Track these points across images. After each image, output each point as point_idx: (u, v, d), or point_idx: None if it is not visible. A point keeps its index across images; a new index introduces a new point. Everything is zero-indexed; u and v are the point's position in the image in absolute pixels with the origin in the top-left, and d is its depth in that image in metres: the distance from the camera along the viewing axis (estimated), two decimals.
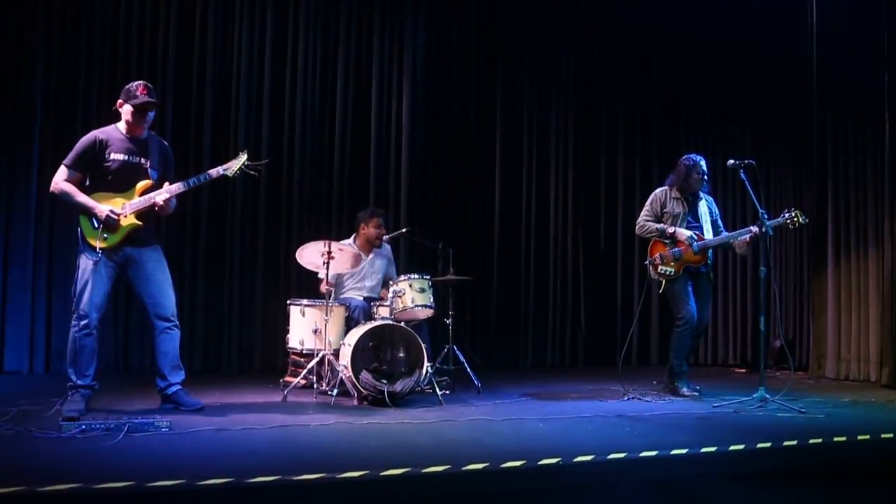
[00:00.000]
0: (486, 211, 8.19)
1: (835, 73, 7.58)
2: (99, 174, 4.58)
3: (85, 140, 4.60)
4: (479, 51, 8.21)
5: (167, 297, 4.70)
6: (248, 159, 4.87)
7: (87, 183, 4.60)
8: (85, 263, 4.48)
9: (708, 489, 3.60)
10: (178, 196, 4.74)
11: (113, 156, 4.57)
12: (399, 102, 7.80)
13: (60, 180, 4.55)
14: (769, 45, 8.45)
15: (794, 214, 5.61)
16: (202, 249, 6.95)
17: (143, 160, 4.65)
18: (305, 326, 5.70)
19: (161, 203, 4.58)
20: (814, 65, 7.74)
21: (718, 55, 8.65)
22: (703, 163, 6.02)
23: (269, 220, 7.21)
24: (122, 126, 4.67)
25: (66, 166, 4.57)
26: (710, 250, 6.01)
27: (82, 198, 4.52)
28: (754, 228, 5.70)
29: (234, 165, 4.82)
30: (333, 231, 6.97)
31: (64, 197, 4.56)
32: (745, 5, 8.40)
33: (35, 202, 6.35)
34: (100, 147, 4.56)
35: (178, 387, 4.74)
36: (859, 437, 4.21)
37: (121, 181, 4.58)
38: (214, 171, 4.79)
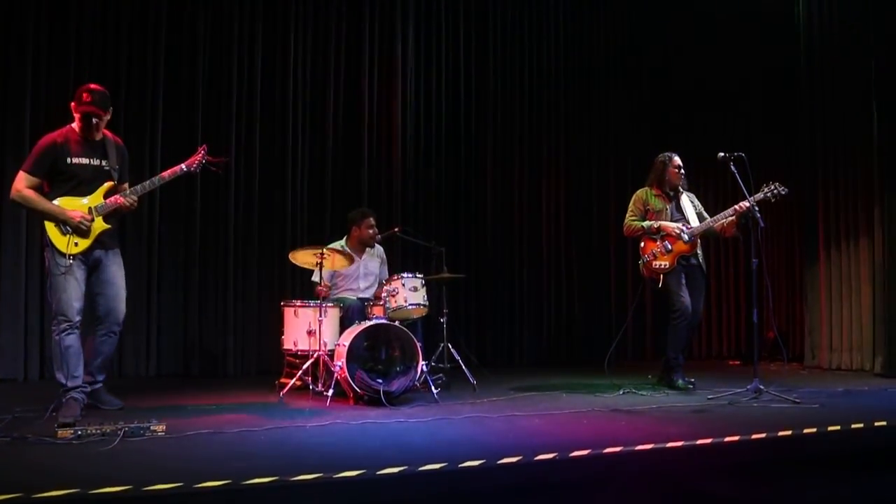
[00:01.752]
0: (478, 209, 8.20)
1: (823, 64, 7.62)
2: (61, 179, 4.52)
3: (43, 145, 4.53)
4: (471, 50, 8.22)
5: (122, 302, 4.73)
6: (207, 155, 4.87)
7: (48, 188, 4.53)
8: (56, 269, 4.45)
9: (704, 481, 3.62)
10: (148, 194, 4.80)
11: (74, 160, 4.52)
12: (391, 101, 7.81)
13: (22, 187, 4.47)
14: (758, 39, 8.50)
15: (773, 187, 5.65)
16: (197, 252, 6.94)
17: (103, 162, 4.61)
18: (300, 327, 5.69)
19: (128, 204, 4.60)
20: (803, 57, 7.78)
21: (708, 52, 8.69)
22: (676, 157, 6.11)
23: (264, 222, 7.21)
24: (76, 127, 4.61)
25: (26, 172, 4.49)
26: (700, 241, 6.05)
27: (48, 204, 4.46)
28: (737, 207, 5.76)
29: (195, 161, 4.83)
30: (327, 231, 6.97)
31: (27, 203, 4.50)
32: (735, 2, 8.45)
33: (27, 209, 6.30)
34: (59, 151, 4.51)
35: (101, 385, 4.77)
36: (853, 426, 4.23)
37: (84, 184, 4.54)
38: (178, 168, 4.76)
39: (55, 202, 4.48)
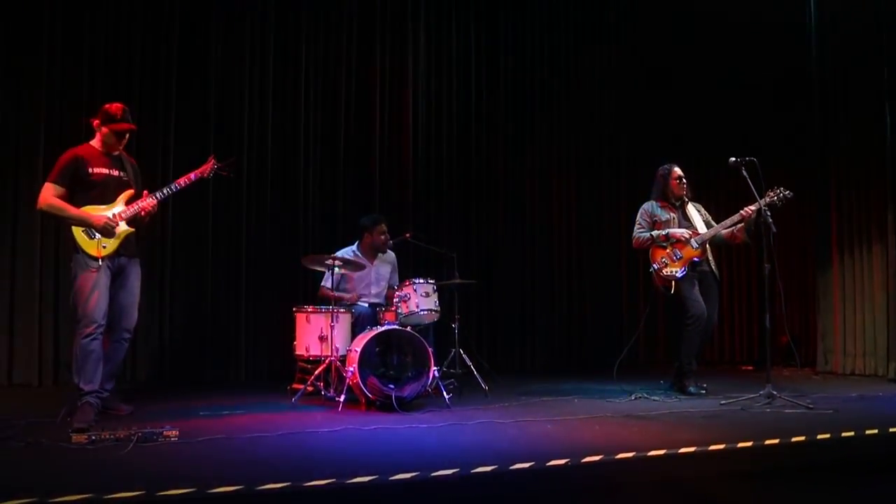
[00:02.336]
0: (490, 215, 8.20)
1: (836, 69, 7.59)
2: (82, 189, 4.69)
3: (66, 157, 4.72)
4: (482, 58, 8.23)
5: (135, 310, 4.89)
6: (217, 161, 5.06)
7: (71, 199, 4.67)
8: (85, 273, 4.59)
9: (717, 487, 3.61)
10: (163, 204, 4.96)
11: (95, 170, 4.71)
12: (403, 108, 7.83)
13: (49, 196, 4.65)
14: (770, 44, 8.47)
15: (779, 191, 5.66)
16: (210, 259, 6.98)
17: (122, 174, 4.83)
18: (311, 333, 5.72)
19: (149, 207, 4.76)
20: (814, 62, 7.76)
21: (719, 56, 8.68)
22: (676, 168, 6.15)
23: (276, 228, 7.24)
24: (95, 143, 4.81)
25: (52, 182, 4.66)
26: (711, 248, 6.05)
27: (75, 211, 4.64)
28: (743, 212, 5.75)
29: (206, 169, 5.02)
30: (339, 237, 6.99)
31: (56, 212, 4.67)
32: (746, 5, 8.42)
33: (41, 215, 6.35)
34: (81, 163, 4.69)
35: (108, 393, 4.81)
36: (867, 432, 4.21)
37: (104, 194, 4.73)
38: (191, 176, 4.96)
39: (88, 209, 4.67)
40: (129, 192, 4.80)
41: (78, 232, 4.63)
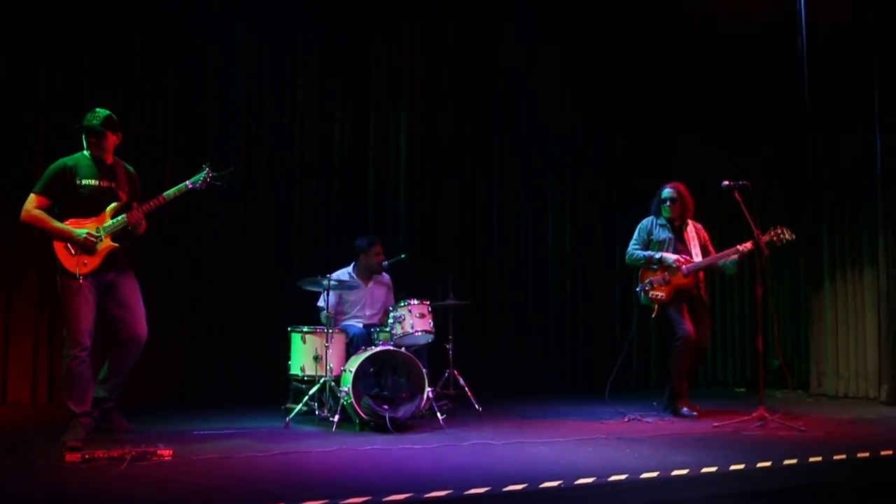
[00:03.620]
0: (484, 235, 8.23)
1: (826, 91, 7.66)
2: (69, 200, 4.60)
3: (54, 167, 4.64)
4: (477, 78, 8.28)
5: (140, 322, 4.75)
6: (211, 171, 4.88)
7: (57, 210, 4.60)
8: (68, 293, 4.50)
9: None
10: (154, 215, 4.80)
11: (84, 181, 4.60)
12: (396, 128, 7.87)
13: (31, 208, 4.57)
14: (760, 68, 8.55)
15: (780, 231, 5.68)
16: (204, 276, 6.98)
17: (112, 184, 4.69)
18: (306, 353, 5.72)
19: (134, 221, 4.62)
20: (805, 85, 7.83)
21: (711, 81, 8.76)
22: (669, 188, 6.11)
23: (270, 247, 7.25)
24: (87, 152, 4.71)
25: (36, 193, 4.60)
26: (701, 273, 6.07)
27: (56, 224, 4.55)
28: (740, 247, 5.78)
29: (199, 178, 4.84)
30: (334, 257, 7.00)
31: (36, 223, 4.59)
32: (736, 32, 8.51)
33: (38, 230, 6.35)
34: (69, 173, 4.60)
35: (112, 405, 4.79)
36: (859, 455, 4.23)
37: (91, 206, 4.61)
38: (183, 186, 4.79)
39: (65, 224, 4.55)
40: (116, 204, 4.65)
41: (60, 248, 4.52)
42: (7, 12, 6.39)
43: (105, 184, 4.67)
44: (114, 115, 4.79)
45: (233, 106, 7.19)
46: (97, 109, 4.75)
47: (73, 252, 4.52)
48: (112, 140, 4.75)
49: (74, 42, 6.62)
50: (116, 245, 4.62)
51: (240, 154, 7.15)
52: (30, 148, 6.41)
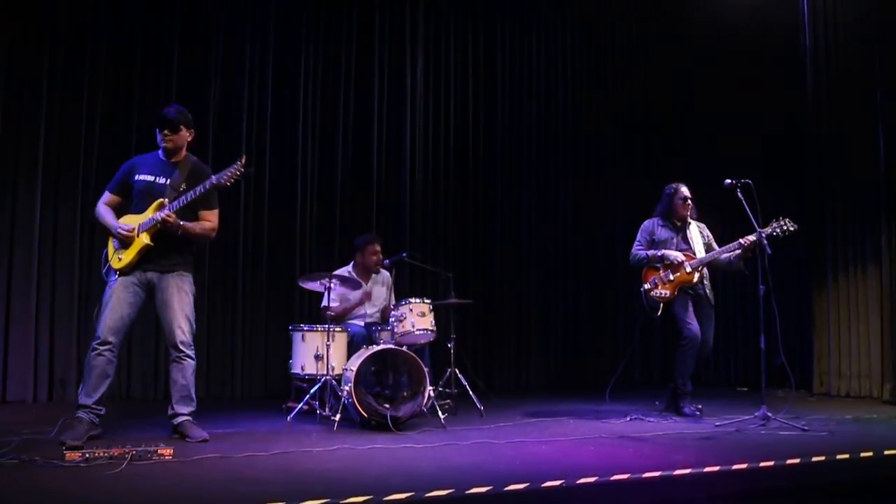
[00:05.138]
0: (486, 235, 8.23)
1: (830, 93, 7.65)
2: (132, 197, 4.64)
3: (124, 163, 4.74)
4: (480, 77, 8.28)
5: (178, 325, 4.62)
6: (242, 166, 4.60)
7: (126, 207, 4.66)
8: (108, 286, 4.56)
9: None
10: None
11: (139, 177, 4.61)
12: (401, 128, 7.86)
13: (99, 203, 4.69)
14: (764, 64, 8.54)
15: (782, 223, 5.66)
16: (206, 275, 6.96)
17: (167, 180, 4.58)
18: (307, 352, 5.71)
19: (161, 218, 4.44)
20: (809, 83, 7.82)
21: (715, 78, 8.75)
22: (683, 188, 6.12)
23: (273, 246, 7.25)
24: (159, 150, 4.68)
25: (107, 189, 4.72)
26: (706, 270, 6.05)
27: (109, 218, 4.62)
28: (742, 241, 5.75)
29: (227, 174, 4.53)
30: (336, 257, 7.00)
31: (97, 217, 4.69)
32: (740, 28, 8.50)
33: (38, 233, 6.36)
34: (132, 169, 4.66)
35: (185, 417, 4.65)
36: (862, 454, 4.21)
37: (142, 202, 4.58)
38: (207, 182, 4.55)
39: (122, 219, 4.60)
40: (159, 201, 4.52)
41: (109, 242, 4.60)
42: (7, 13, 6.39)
43: (160, 179, 4.59)
44: (188, 112, 4.72)
45: (235, 109, 7.19)
46: (174, 105, 4.76)
47: (115, 247, 4.56)
48: (184, 136, 4.68)
49: (76, 31, 6.63)
50: (151, 243, 4.50)
51: (243, 151, 7.13)
52: (27, 145, 6.40)
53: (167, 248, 4.58)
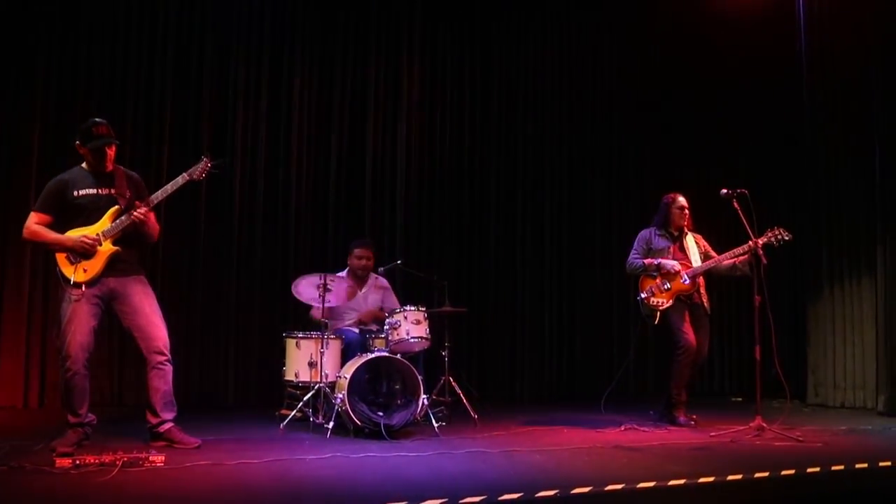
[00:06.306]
0: (481, 243, 8.20)
1: (826, 102, 7.67)
2: (69, 213, 4.51)
3: (51, 183, 4.57)
4: (476, 85, 8.26)
5: (157, 328, 4.59)
6: (209, 160, 4.69)
7: (62, 224, 4.52)
8: (67, 304, 4.41)
9: None
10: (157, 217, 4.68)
11: (81, 192, 4.51)
12: (394, 134, 7.85)
13: (30, 223, 4.51)
14: (761, 74, 8.57)
15: (777, 232, 5.67)
16: (199, 281, 6.95)
17: (111, 191, 4.57)
18: (301, 359, 5.68)
19: (138, 216, 4.47)
20: (805, 94, 7.84)
21: (711, 87, 8.77)
22: (680, 198, 6.15)
23: (265, 253, 7.22)
24: (85, 165, 4.62)
25: (35, 210, 4.54)
26: (702, 279, 6.05)
27: (52, 235, 4.47)
28: (738, 250, 5.77)
29: (197, 170, 4.65)
30: (329, 264, 6.98)
31: (35, 238, 4.52)
32: (736, 33, 8.53)
33: (38, 245, 6.31)
34: (65, 186, 4.53)
35: (171, 424, 4.62)
36: (857, 466, 4.21)
37: (91, 215, 4.51)
38: (180, 178, 4.61)
39: (70, 233, 4.47)
40: (115, 208, 4.51)
41: (61, 259, 4.45)
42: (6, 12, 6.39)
43: (104, 191, 4.56)
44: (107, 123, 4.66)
45: (230, 112, 7.18)
46: (95, 119, 4.61)
47: (72, 260, 4.43)
48: (113, 148, 4.64)
49: (69, 36, 6.64)
50: (119, 249, 4.50)
51: (237, 158, 7.14)
52: (20, 153, 6.41)
53: (126, 251, 4.57)
